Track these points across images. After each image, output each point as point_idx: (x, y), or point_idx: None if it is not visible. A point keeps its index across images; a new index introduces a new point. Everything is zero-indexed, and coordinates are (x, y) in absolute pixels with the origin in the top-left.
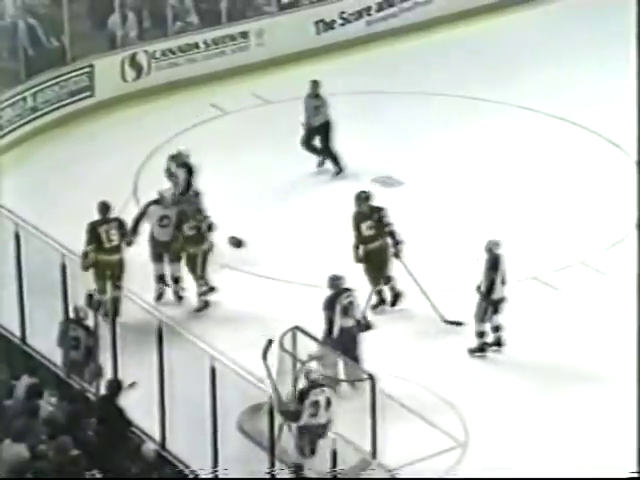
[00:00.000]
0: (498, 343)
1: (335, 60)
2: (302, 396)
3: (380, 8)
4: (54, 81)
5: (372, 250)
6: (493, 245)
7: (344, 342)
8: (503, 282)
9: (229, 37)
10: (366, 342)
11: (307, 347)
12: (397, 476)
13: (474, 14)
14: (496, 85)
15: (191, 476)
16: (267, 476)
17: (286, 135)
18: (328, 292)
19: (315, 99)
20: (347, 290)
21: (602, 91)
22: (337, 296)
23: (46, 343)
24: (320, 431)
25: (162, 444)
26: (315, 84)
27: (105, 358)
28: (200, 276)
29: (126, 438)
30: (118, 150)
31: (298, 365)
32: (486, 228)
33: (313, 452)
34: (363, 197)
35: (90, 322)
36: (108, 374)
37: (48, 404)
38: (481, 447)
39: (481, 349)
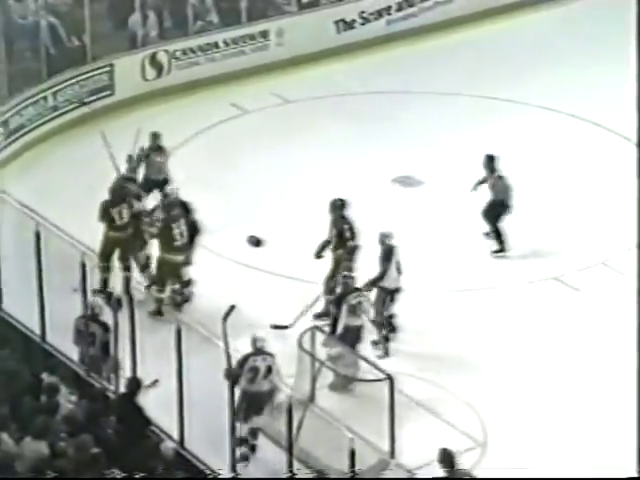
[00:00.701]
0: (392, 329)
1: (355, 60)
2: (242, 361)
3: (400, 8)
4: (75, 80)
5: (333, 258)
6: (385, 237)
7: (347, 341)
8: (399, 272)
9: (249, 36)
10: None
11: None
12: (415, 476)
13: (495, 14)
14: (517, 85)
15: (210, 476)
16: (285, 476)
17: (306, 134)
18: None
19: (157, 152)
20: (357, 290)
21: (623, 91)
22: (345, 295)
23: (66, 341)
24: (260, 398)
25: (181, 443)
26: (155, 137)
27: (124, 355)
28: (150, 277)
29: (145, 436)
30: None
31: (317, 365)
32: (506, 228)
33: (246, 419)
34: (338, 204)
35: (106, 318)
36: (127, 372)
37: (68, 402)
38: (500, 447)
39: (386, 338)
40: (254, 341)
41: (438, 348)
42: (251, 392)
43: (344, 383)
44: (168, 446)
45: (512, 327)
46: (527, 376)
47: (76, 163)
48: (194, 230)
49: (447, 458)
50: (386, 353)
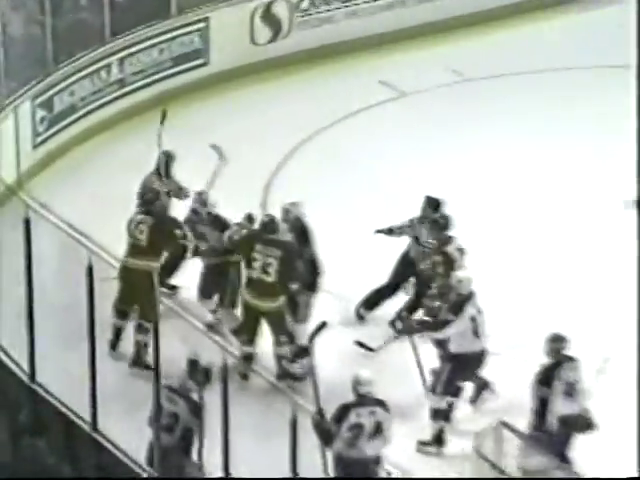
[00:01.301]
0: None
1: (564, 17)
2: (341, 414)
3: None
4: (152, 42)
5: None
6: (459, 282)
7: (557, 442)
8: (476, 333)
9: None
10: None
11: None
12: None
13: None
14: None
15: None
16: None
17: (492, 122)
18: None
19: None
20: (571, 359)
21: None
22: (557, 366)
23: (125, 430)
24: (362, 467)
25: None
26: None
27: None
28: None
29: None
30: (244, 142)
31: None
32: None
33: None
34: (442, 224)
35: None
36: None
37: None
38: None
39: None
40: (356, 383)
41: None
42: (351, 458)
43: None
44: None
45: None
46: None
47: (148, 162)
48: (313, 271)
49: None
50: None
